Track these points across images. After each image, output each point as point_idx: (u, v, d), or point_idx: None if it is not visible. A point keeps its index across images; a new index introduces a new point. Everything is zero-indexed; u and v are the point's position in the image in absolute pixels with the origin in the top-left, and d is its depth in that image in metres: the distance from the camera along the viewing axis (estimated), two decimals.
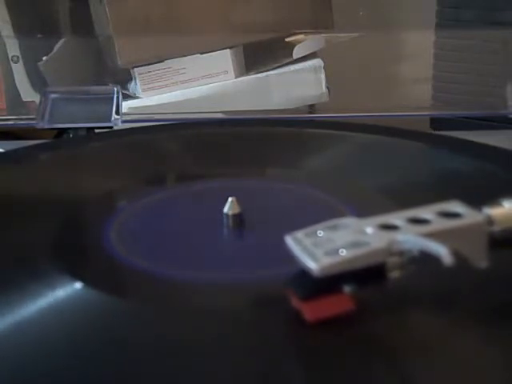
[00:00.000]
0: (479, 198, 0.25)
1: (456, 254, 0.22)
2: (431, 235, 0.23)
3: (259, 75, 0.78)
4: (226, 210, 0.32)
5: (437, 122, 0.75)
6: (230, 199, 0.32)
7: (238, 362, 0.22)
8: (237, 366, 0.22)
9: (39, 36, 0.75)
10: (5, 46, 0.77)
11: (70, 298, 0.26)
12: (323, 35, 0.79)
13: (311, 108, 0.78)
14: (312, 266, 0.22)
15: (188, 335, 0.24)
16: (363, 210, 0.26)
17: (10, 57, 0.77)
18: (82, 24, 0.80)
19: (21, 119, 0.55)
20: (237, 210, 0.32)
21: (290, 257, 0.24)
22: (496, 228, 0.24)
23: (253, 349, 0.23)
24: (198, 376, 0.22)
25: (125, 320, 0.25)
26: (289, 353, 0.23)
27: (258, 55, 0.79)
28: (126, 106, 0.61)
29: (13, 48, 0.77)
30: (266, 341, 0.23)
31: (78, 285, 0.27)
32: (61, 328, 0.25)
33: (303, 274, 0.23)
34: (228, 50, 0.77)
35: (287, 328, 0.24)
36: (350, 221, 0.24)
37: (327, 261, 0.22)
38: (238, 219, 0.32)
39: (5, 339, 0.24)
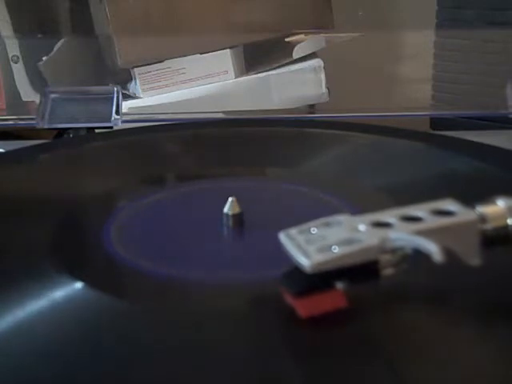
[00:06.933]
0: (478, 197, 0.25)
1: (448, 251, 0.22)
2: (424, 233, 0.23)
3: (259, 75, 0.78)
4: (226, 210, 0.32)
5: (437, 122, 0.75)
6: (230, 199, 0.32)
7: (237, 362, 0.22)
8: (236, 366, 0.22)
9: (39, 36, 0.75)
10: (5, 46, 0.77)
11: (69, 298, 0.26)
12: (323, 35, 0.79)
13: (311, 108, 0.78)
14: (304, 262, 0.23)
15: (188, 335, 0.24)
16: (363, 210, 0.26)
17: (9, 57, 0.77)
18: (82, 24, 0.80)
19: (21, 119, 0.55)
20: (237, 209, 0.32)
21: (289, 257, 0.24)
22: (489, 226, 0.24)
23: (251, 348, 0.23)
24: (198, 376, 0.22)
25: (124, 320, 0.25)
26: (287, 352, 0.23)
27: (258, 55, 0.79)
28: (125, 106, 0.62)
29: (13, 48, 0.76)
30: (266, 341, 0.23)
31: (78, 285, 0.27)
32: (60, 328, 0.25)
33: (296, 271, 0.23)
34: (228, 50, 0.77)
35: (286, 328, 0.24)
36: (343, 218, 0.25)
37: (319, 257, 0.22)
38: (238, 219, 0.32)
39: (4, 339, 0.24)
